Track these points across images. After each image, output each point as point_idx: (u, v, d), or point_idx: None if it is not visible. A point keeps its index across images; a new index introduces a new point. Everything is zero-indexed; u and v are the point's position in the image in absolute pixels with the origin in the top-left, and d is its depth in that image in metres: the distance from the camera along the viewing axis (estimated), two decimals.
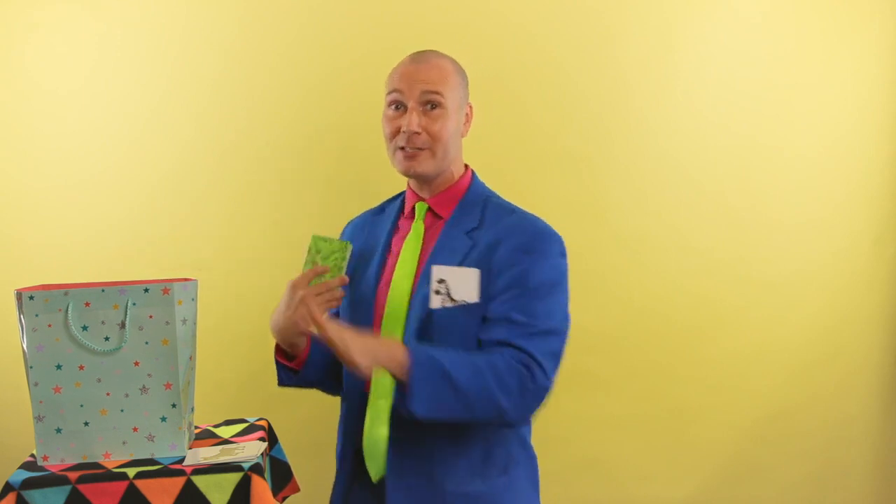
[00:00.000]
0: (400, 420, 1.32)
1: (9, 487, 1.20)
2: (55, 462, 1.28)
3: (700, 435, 2.20)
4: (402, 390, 1.27)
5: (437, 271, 1.35)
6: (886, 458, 2.34)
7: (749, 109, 2.13)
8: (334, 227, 1.60)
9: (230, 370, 2.03)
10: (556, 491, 1.58)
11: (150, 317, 1.28)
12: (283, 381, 1.46)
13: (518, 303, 1.31)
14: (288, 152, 2.04)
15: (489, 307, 1.33)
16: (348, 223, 1.60)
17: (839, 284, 2.23)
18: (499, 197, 1.47)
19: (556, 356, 1.32)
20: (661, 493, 2.20)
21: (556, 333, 1.33)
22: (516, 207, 1.43)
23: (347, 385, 1.46)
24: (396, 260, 1.42)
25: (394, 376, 1.26)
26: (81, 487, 1.20)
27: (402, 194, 1.54)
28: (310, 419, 2.00)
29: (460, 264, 1.35)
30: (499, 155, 1.96)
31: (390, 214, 1.51)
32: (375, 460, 1.37)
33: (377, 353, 1.24)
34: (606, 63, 2.08)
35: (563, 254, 1.38)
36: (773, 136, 2.15)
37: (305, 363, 1.42)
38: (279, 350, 1.42)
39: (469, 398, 1.24)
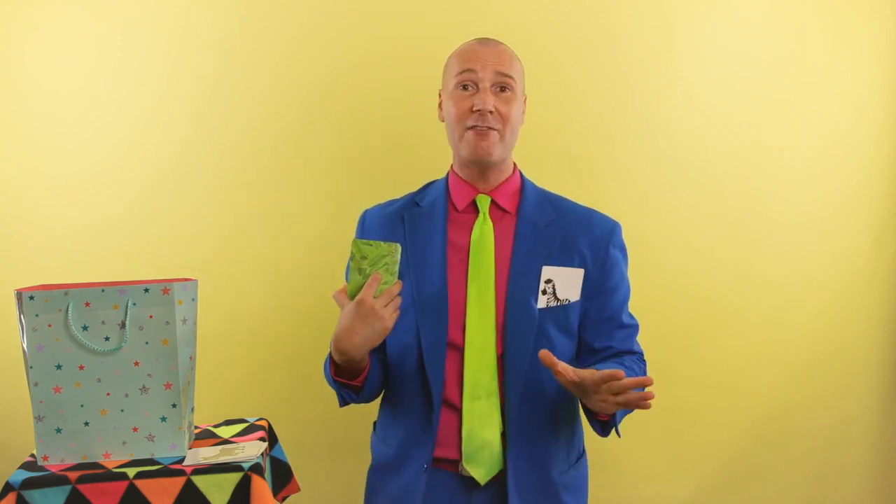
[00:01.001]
0: (513, 418, 1.36)
1: (9, 487, 1.20)
2: (55, 462, 1.28)
3: (700, 435, 2.20)
4: (597, 418, 1.36)
5: (546, 272, 1.37)
6: (886, 458, 2.34)
7: (749, 109, 2.13)
8: (335, 227, 1.59)
9: (230, 370, 2.03)
10: None
11: (151, 317, 1.28)
12: (345, 402, 1.43)
13: (626, 305, 1.47)
14: (288, 152, 2.04)
15: (600, 303, 1.42)
16: (365, 213, 1.52)
17: (839, 284, 2.23)
18: (549, 191, 1.51)
19: None
20: (661, 493, 2.20)
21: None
22: (574, 201, 1.51)
23: (419, 394, 1.39)
24: (464, 256, 1.39)
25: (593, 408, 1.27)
26: (81, 487, 1.20)
27: (433, 186, 1.50)
28: (310, 419, 2.00)
29: (549, 259, 1.39)
30: None
31: (435, 208, 1.45)
32: (484, 462, 1.36)
33: None
34: (606, 63, 2.08)
35: None
36: (773, 136, 2.15)
37: (366, 379, 1.39)
38: (339, 370, 1.37)
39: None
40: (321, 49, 2.02)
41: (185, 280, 1.34)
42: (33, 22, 1.95)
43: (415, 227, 1.44)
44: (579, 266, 1.40)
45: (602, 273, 1.42)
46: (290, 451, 1.55)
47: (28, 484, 1.20)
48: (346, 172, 2.04)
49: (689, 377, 2.17)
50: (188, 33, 1.99)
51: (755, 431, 2.23)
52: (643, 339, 2.13)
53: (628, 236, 2.12)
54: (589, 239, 1.42)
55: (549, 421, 1.40)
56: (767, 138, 2.15)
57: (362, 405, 1.51)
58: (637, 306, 2.14)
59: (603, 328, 1.43)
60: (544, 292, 1.37)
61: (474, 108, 1.35)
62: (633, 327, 1.49)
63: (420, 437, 1.39)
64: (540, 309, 1.37)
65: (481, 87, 1.36)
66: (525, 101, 1.46)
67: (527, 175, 1.52)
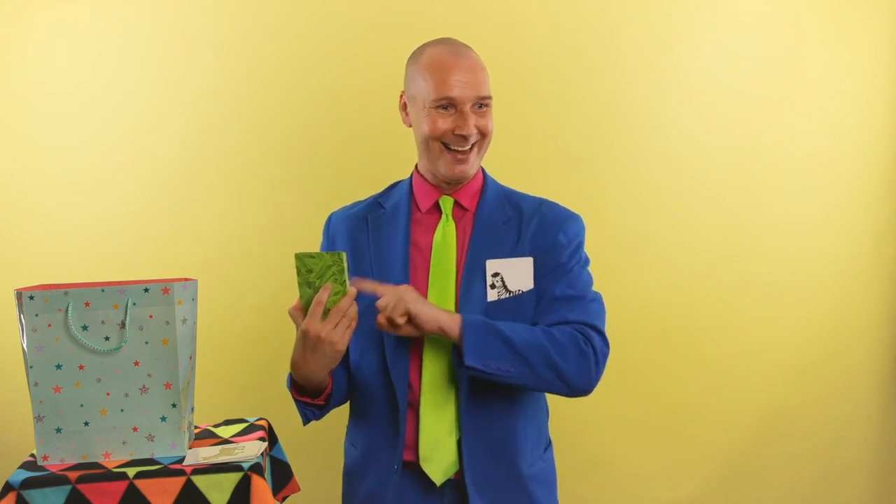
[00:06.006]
0: (465, 414, 1.34)
1: (9, 487, 1.20)
2: (55, 462, 1.28)
3: (700, 435, 2.20)
4: (457, 350, 1.30)
5: (492, 265, 1.36)
6: (886, 458, 2.34)
7: (749, 109, 2.13)
8: None
9: (230, 370, 2.03)
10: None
11: (150, 317, 1.28)
12: (309, 419, 1.42)
13: (565, 279, 1.38)
14: (288, 152, 2.04)
15: (539, 288, 1.38)
16: (330, 216, 1.53)
17: (839, 284, 2.23)
18: (510, 188, 1.49)
19: (604, 319, 1.40)
20: (661, 493, 2.20)
21: (599, 300, 1.41)
22: (535, 196, 1.48)
23: (384, 396, 1.38)
24: (426, 257, 1.39)
25: (449, 337, 1.29)
26: (81, 487, 1.20)
27: (397, 188, 1.50)
28: None
29: (510, 255, 1.37)
30: (498, 154, 1.95)
31: (399, 210, 1.44)
32: (439, 463, 1.35)
33: (439, 316, 1.28)
34: (606, 63, 2.08)
35: (584, 232, 1.47)
36: (773, 136, 2.15)
37: (329, 396, 1.39)
38: (301, 390, 1.37)
39: (525, 354, 1.29)
40: (321, 49, 2.02)
41: (185, 280, 1.33)
42: (33, 22, 1.95)
43: (378, 230, 1.43)
44: (528, 255, 1.38)
45: (547, 258, 1.39)
46: (290, 451, 1.55)
47: (28, 484, 1.20)
48: (347, 172, 2.04)
49: (689, 377, 2.18)
50: (188, 33, 1.99)
51: (755, 431, 2.23)
52: (643, 339, 2.15)
53: (628, 236, 2.13)
54: (540, 227, 1.40)
55: (508, 413, 1.38)
56: (767, 138, 2.15)
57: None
58: (637, 306, 2.15)
59: (547, 305, 1.39)
60: (493, 286, 1.36)
61: (457, 132, 1.34)
62: (575, 298, 1.38)
63: (387, 439, 1.38)
64: (490, 302, 1.35)
65: (464, 110, 1.33)
66: None
67: (528, 175, 1.52)
